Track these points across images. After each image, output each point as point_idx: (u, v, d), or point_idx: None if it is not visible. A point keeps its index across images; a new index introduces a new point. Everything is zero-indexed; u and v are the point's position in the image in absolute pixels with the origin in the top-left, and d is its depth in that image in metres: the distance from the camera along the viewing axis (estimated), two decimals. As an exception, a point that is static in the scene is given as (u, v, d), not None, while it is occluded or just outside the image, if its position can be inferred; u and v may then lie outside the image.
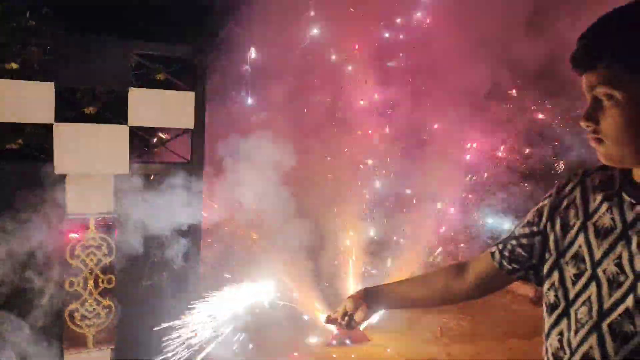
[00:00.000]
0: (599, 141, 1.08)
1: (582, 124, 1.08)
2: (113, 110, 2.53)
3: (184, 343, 2.67)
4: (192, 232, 2.66)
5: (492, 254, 1.33)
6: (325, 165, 4.84)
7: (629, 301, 1.04)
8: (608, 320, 1.08)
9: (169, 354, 2.63)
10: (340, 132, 4.74)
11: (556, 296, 1.18)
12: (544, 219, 1.24)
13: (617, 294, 1.07)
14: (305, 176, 4.63)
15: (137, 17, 2.74)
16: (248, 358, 4.01)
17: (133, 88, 2.50)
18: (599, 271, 1.10)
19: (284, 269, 4.53)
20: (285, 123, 4.16)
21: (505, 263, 1.30)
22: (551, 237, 1.22)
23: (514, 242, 1.29)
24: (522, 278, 1.31)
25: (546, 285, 1.21)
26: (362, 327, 4.61)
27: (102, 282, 2.58)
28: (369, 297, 1.44)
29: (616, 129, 1.04)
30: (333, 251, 4.80)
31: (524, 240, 1.27)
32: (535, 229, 1.26)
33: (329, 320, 1.46)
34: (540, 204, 1.27)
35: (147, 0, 2.82)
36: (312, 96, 4.58)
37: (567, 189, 1.22)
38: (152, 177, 2.60)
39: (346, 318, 1.42)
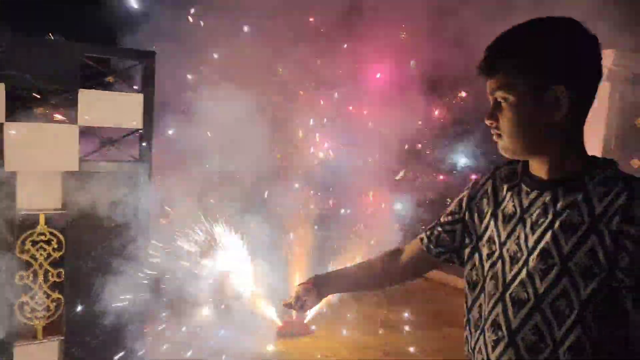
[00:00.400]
0: (499, 136, 1.25)
1: (486, 121, 1.26)
2: (63, 111, 2.63)
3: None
4: (140, 227, 2.78)
5: (422, 239, 1.52)
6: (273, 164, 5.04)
7: (523, 273, 1.22)
8: (509, 291, 1.25)
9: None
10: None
11: (477, 274, 1.36)
12: (463, 208, 1.43)
13: (515, 268, 1.25)
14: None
15: (87, 20, 2.83)
16: (194, 353, 4.14)
17: (83, 89, 2.61)
18: (504, 250, 1.28)
19: (231, 264, 4.69)
20: (232, 121, 4.37)
21: (432, 247, 1.49)
22: (470, 224, 1.40)
23: (439, 228, 1.48)
24: (447, 260, 1.50)
25: (468, 267, 1.39)
26: (305, 320, 4.81)
27: (52, 275, 2.67)
28: (318, 283, 1.60)
29: (510, 125, 1.22)
30: (279, 248, 4.97)
31: (447, 227, 1.46)
32: (456, 217, 1.44)
33: (285, 304, 1.61)
34: (460, 196, 1.46)
35: (97, 4, 2.92)
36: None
37: (481, 182, 1.43)
38: (101, 174, 2.71)
39: (299, 302, 1.57)
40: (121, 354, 2.84)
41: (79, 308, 2.73)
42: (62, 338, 2.72)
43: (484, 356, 1.30)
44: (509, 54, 1.21)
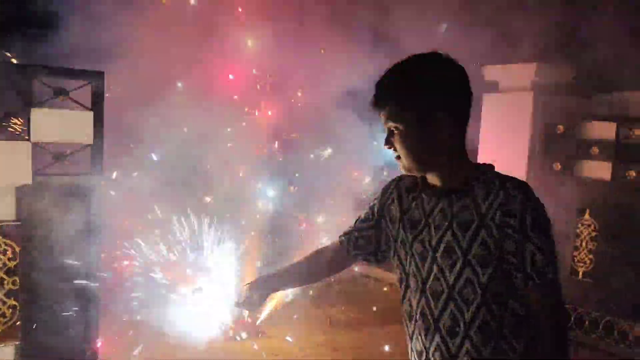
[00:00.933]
0: (398, 157, 1.48)
1: (384, 147, 1.50)
2: (16, 128, 2.80)
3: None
4: (92, 235, 2.96)
5: (341, 242, 1.74)
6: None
7: (435, 269, 1.46)
8: (428, 285, 1.48)
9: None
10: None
11: (400, 272, 1.58)
12: (375, 215, 1.66)
13: (427, 265, 1.48)
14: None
15: (38, 45, 3.04)
16: (150, 354, 4.30)
17: (34, 108, 2.79)
18: (414, 251, 1.52)
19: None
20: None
21: (350, 249, 1.71)
22: (385, 229, 1.63)
23: (356, 234, 1.70)
24: (364, 260, 1.72)
25: (394, 265, 1.61)
26: (258, 321, 5.01)
27: (7, 283, 2.82)
28: (263, 282, 1.79)
29: (404, 149, 1.45)
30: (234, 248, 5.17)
31: (363, 233, 1.69)
32: (370, 223, 1.67)
33: (236, 304, 1.79)
34: (372, 203, 1.69)
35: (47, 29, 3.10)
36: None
37: (389, 191, 1.64)
38: (54, 187, 2.88)
39: (247, 300, 1.75)
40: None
41: (34, 314, 2.89)
42: (18, 343, 2.86)
43: (420, 342, 1.53)
44: (393, 91, 1.44)
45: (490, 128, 5.46)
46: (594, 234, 4.90)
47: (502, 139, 5.29)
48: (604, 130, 4.85)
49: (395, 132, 1.45)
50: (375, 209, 1.66)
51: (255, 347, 4.60)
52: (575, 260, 5.01)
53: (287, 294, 5.20)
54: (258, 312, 1.89)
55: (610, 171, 4.78)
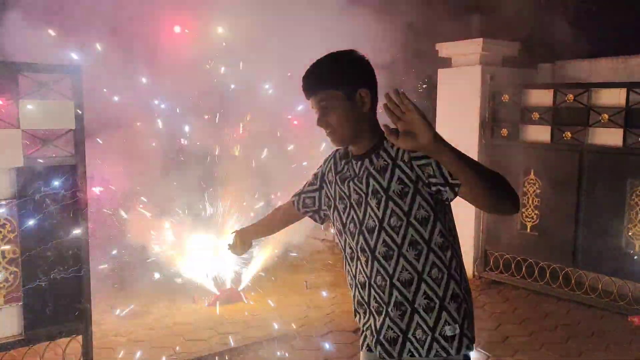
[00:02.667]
0: (331, 133, 1.81)
1: (318, 125, 1.82)
2: (8, 118, 3.22)
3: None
4: (79, 209, 3.41)
5: (293, 202, 2.17)
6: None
7: (368, 209, 1.78)
8: (364, 226, 1.79)
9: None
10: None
11: (339, 224, 1.91)
12: (318, 180, 2.09)
13: (362, 209, 1.80)
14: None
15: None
16: (138, 320, 4.74)
17: (23, 100, 3.22)
18: (352, 200, 1.85)
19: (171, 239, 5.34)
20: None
21: (300, 207, 2.17)
22: (326, 191, 2.04)
23: (304, 195, 2.15)
24: (310, 217, 2.17)
25: (333, 220, 1.95)
26: (239, 288, 5.47)
27: (8, 253, 3.27)
28: (245, 232, 2.39)
29: (337, 122, 1.78)
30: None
31: (309, 195, 2.13)
32: (315, 187, 2.11)
33: (228, 247, 2.39)
34: (317, 170, 2.12)
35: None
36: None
37: (328, 160, 2.07)
38: (43, 167, 3.32)
39: (234, 246, 2.37)
40: (68, 312, 3.47)
41: (32, 278, 3.34)
42: (21, 304, 3.32)
43: (363, 273, 1.81)
44: (324, 77, 1.78)
45: (445, 100, 5.93)
46: (538, 191, 5.39)
47: (455, 109, 5.74)
48: (543, 97, 5.32)
49: (329, 111, 1.78)
50: (319, 175, 2.09)
51: (237, 309, 5.05)
52: (524, 215, 5.51)
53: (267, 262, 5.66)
54: (242, 255, 2.47)
55: (549, 134, 5.25)
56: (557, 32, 5.73)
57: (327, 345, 4.26)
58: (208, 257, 5.33)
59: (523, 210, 5.49)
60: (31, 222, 3.31)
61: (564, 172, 5.12)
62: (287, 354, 4.11)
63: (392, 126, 1.52)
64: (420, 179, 1.69)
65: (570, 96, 5.08)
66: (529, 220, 5.48)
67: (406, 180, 1.71)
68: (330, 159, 2.03)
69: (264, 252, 5.63)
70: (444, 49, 6.07)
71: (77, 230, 3.42)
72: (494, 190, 1.58)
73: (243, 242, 2.36)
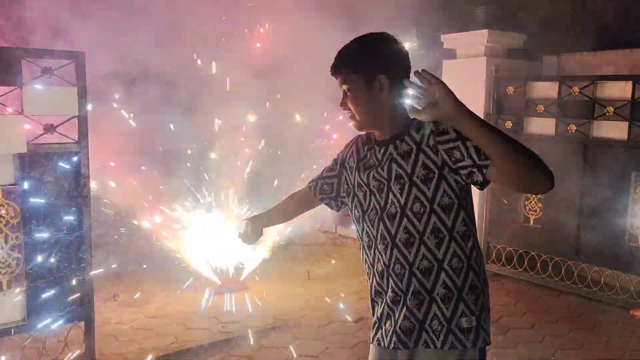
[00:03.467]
0: (352, 117, 1.80)
1: (340, 107, 1.82)
2: (11, 104, 3.21)
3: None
4: (83, 195, 3.41)
5: (310, 187, 2.13)
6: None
7: (390, 195, 1.74)
8: (385, 212, 1.76)
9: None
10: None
11: (358, 211, 1.87)
12: (338, 166, 2.06)
13: (383, 195, 1.77)
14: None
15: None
16: (135, 313, 4.74)
17: (26, 86, 3.21)
18: (372, 187, 1.81)
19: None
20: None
21: (317, 193, 2.13)
22: (346, 177, 2.00)
23: (322, 181, 2.12)
24: (327, 204, 2.14)
25: (352, 207, 1.91)
26: (241, 277, 5.48)
27: (11, 239, 3.27)
28: (256, 219, 2.26)
29: (355, 107, 1.77)
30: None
31: (327, 181, 2.10)
32: (334, 173, 2.08)
33: (239, 235, 2.25)
34: (337, 156, 2.09)
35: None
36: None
37: (349, 146, 2.03)
38: (46, 153, 3.32)
39: (245, 234, 2.23)
40: (70, 299, 3.48)
41: (36, 264, 3.35)
42: (24, 289, 3.33)
43: (381, 262, 1.78)
44: (345, 59, 1.77)
45: (449, 92, 5.89)
46: (541, 184, 5.35)
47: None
48: (548, 89, 5.29)
49: (349, 94, 1.77)
50: (339, 161, 2.06)
51: (239, 299, 5.05)
52: (527, 208, 5.49)
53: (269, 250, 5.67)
54: (253, 244, 2.35)
55: (554, 126, 5.23)
56: (562, 24, 5.69)
57: (328, 335, 4.27)
58: (211, 245, 5.33)
59: (526, 203, 5.48)
60: (34, 208, 3.31)
61: (568, 165, 5.09)
62: (288, 344, 4.11)
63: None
64: (447, 165, 1.65)
65: (576, 89, 5.05)
66: (532, 213, 5.46)
67: (431, 166, 1.68)
68: (352, 145, 2.00)
69: (266, 242, 5.63)
70: (449, 40, 6.04)
71: (80, 217, 3.42)
72: (526, 164, 1.50)
73: (255, 230, 2.24)
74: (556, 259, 5.30)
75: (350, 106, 1.78)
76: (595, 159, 5.00)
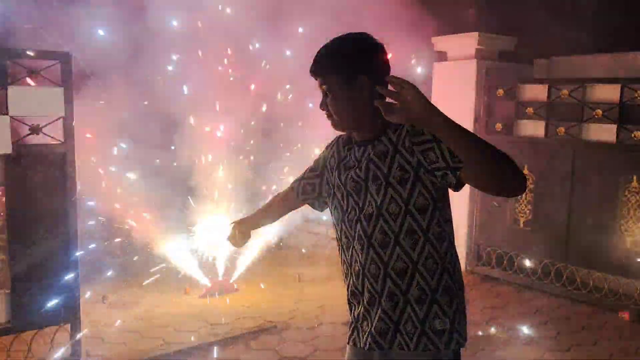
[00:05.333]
0: (331, 117, 1.78)
1: (320, 108, 1.79)
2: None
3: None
4: (68, 196, 3.39)
5: (292, 188, 2.13)
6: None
7: (368, 196, 1.74)
8: (363, 212, 1.75)
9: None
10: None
11: (337, 212, 1.86)
12: (320, 167, 2.04)
13: (362, 196, 1.76)
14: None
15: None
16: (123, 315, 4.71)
17: (11, 86, 3.19)
18: (349, 188, 1.80)
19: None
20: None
21: (300, 194, 2.09)
22: (327, 178, 1.98)
23: (304, 181, 2.10)
24: (310, 204, 2.12)
25: (331, 208, 1.91)
26: (231, 280, 5.46)
27: (-4, 240, 3.26)
28: (243, 222, 2.25)
29: (335, 108, 1.75)
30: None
31: (309, 181, 2.07)
32: (315, 173, 2.06)
33: (227, 238, 2.24)
34: (319, 156, 2.07)
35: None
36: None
37: (330, 146, 2.01)
38: (33, 155, 3.29)
39: (233, 237, 2.22)
40: (56, 300, 3.46)
41: (20, 266, 3.32)
42: (8, 291, 3.30)
43: (358, 262, 1.78)
44: (326, 60, 1.75)
45: (440, 94, 5.90)
46: (531, 186, 5.39)
47: (450, 103, 5.62)
48: (538, 92, 5.31)
49: (328, 94, 1.75)
50: (320, 161, 2.05)
51: (228, 301, 5.04)
52: (517, 211, 5.51)
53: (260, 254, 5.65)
54: (241, 247, 2.33)
55: (543, 129, 5.25)
56: (553, 28, 5.71)
57: (317, 337, 4.26)
58: (200, 247, 5.32)
59: (516, 205, 5.49)
60: (20, 210, 3.29)
61: (558, 168, 5.12)
62: (278, 345, 4.10)
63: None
64: (422, 166, 1.66)
65: (565, 91, 5.07)
66: (521, 215, 5.48)
67: (407, 167, 1.68)
68: (333, 145, 1.99)
69: (256, 244, 5.61)
70: (440, 43, 6.05)
71: (66, 218, 3.39)
72: (497, 167, 1.49)
73: (242, 233, 2.23)
74: (546, 261, 5.32)
75: (330, 107, 1.77)
76: (585, 162, 5.02)
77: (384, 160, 1.72)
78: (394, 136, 1.72)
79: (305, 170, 2.13)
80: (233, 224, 2.27)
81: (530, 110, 5.30)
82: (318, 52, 1.79)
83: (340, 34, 1.80)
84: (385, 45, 1.80)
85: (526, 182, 1.53)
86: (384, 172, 1.71)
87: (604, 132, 4.88)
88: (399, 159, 1.69)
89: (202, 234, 5.32)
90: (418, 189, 1.68)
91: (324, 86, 1.77)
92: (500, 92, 5.53)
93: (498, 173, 1.50)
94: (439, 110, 1.48)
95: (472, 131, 1.53)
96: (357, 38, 1.78)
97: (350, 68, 1.72)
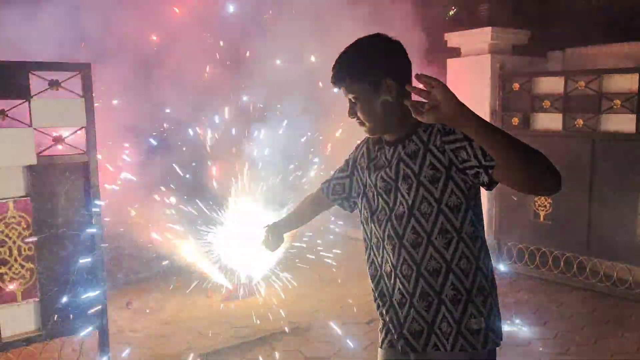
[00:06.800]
0: (362, 124, 1.78)
1: (349, 117, 1.79)
2: (20, 117, 3.25)
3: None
4: (92, 203, 3.44)
5: (322, 189, 2.16)
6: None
7: (399, 196, 1.73)
8: (394, 212, 1.75)
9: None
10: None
11: (366, 211, 1.86)
12: (350, 167, 2.05)
13: (392, 196, 1.76)
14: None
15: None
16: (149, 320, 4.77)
17: (34, 98, 3.25)
18: (379, 188, 1.80)
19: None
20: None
21: (330, 194, 2.13)
22: (357, 178, 1.99)
23: (334, 182, 2.12)
24: (339, 205, 2.14)
25: (361, 207, 1.91)
26: (253, 282, 5.48)
27: (24, 250, 3.30)
28: (276, 226, 2.26)
29: (365, 114, 1.74)
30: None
31: (339, 181, 2.10)
32: (345, 174, 2.08)
33: (262, 243, 2.26)
34: (348, 157, 2.09)
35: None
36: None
37: (360, 146, 2.02)
38: (56, 165, 3.35)
39: (267, 241, 2.24)
40: (84, 308, 3.51)
41: (49, 275, 3.37)
42: (38, 300, 3.36)
43: (389, 263, 1.77)
44: (347, 68, 1.72)
45: (454, 90, 5.72)
46: (551, 180, 5.33)
47: (465, 99, 5.59)
48: (554, 84, 5.27)
49: (357, 102, 1.73)
50: (350, 161, 2.06)
51: (251, 304, 5.07)
52: (537, 205, 5.47)
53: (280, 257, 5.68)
54: (274, 251, 2.34)
55: (561, 122, 5.20)
56: (565, 19, 5.67)
57: (341, 338, 4.27)
58: (222, 251, 5.36)
59: (536, 199, 5.45)
60: (46, 219, 3.34)
61: (577, 160, 5.07)
62: (301, 346, 4.12)
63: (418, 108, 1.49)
64: (454, 164, 1.64)
65: (581, 83, 5.03)
66: (542, 209, 5.44)
67: (438, 165, 1.67)
68: (363, 145, 1.98)
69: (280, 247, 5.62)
70: (453, 38, 6.04)
71: (91, 227, 3.44)
72: (531, 166, 1.45)
73: (276, 236, 2.24)
74: (568, 254, 5.28)
75: (360, 115, 1.75)
76: (604, 153, 4.97)
77: (414, 159, 1.71)
78: (425, 135, 1.71)
79: (335, 171, 2.14)
80: (266, 228, 2.28)
81: (546, 103, 5.27)
82: (336, 62, 1.76)
83: (357, 39, 1.79)
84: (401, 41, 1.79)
85: (560, 180, 1.49)
86: (415, 172, 1.70)
87: (623, 123, 4.83)
88: (430, 158, 1.68)
89: (224, 238, 5.35)
90: (450, 187, 1.66)
91: (350, 95, 1.75)
92: (516, 86, 5.50)
93: (531, 172, 1.47)
94: (469, 109, 1.48)
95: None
96: (373, 42, 1.76)
97: (373, 74, 1.70)
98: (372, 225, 1.83)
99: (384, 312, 1.87)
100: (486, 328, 1.73)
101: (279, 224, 2.30)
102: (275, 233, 2.25)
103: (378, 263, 1.84)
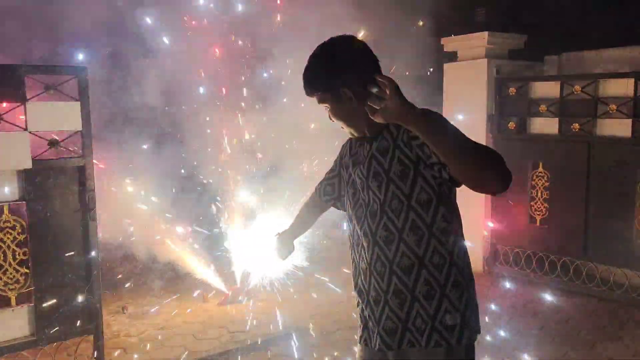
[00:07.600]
0: (343, 127, 1.85)
1: (331, 120, 1.85)
2: (14, 120, 3.23)
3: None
4: (88, 209, 3.43)
5: (316, 190, 2.23)
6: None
7: (371, 193, 1.75)
8: (369, 209, 1.77)
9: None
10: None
11: (350, 209, 1.88)
12: (337, 166, 2.10)
13: (366, 193, 1.78)
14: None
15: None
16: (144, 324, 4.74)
17: (30, 102, 3.23)
18: (357, 185, 1.82)
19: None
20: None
21: (322, 195, 2.18)
22: (344, 176, 2.01)
23: (325, 182, 2.17)
24: (332, 205, 2.17)
25: (346, 206, 1.92)
26: (249, 286, 5.46)
27: (19, 254, 3.28)
28: (286, 234, 2.27)
29: (337, 120, 1.82)
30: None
31: (329, 182, 2.15)
32: (334, 173, 2.13)
33: (274, 251, 2.26)
34: (336, 157, 2.12)
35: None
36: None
37: (346, 144, 2.05)
38: (52, 168, 3.33)
39: (278, 250, 2.24)
40: (78, 313, 3.48)
41: (43, 280, 3.35)
42: (32, 304, 3.34)
43: (364, 260, 1.79)
44: (311, 83, 1.80)
45: (451, 94, 5.90)
46: (547, 184, 5.35)
47: (462, 103, 5.71)
48: (550, 89, 5.28)
49: (328, 110, 1.82)
50: (338, 161, 2.10)
51: (247, 308, 5.05)
52: (533, 209, 5.48)
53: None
54: (285, 258, 2.34)
55: (557, 126, 5.22)
56: (562, 24, 5.69)
57: (336, 342, 4.25)
58: (218, 255, 5.34)
59: (532, 203, 5.46)
60: (40, 224, 3.32)
61: (573, 164, 5.08)
62: (297, 351, 4.10)
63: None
64: (421, 160, 1.65)
65: (577, 87, 5.04)
66: (538, 213, 5.45)
67: (406, 161, 1.68)
68: (347, 143, 2.03)
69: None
70: (449, 43, 6.05)
71: (87, 231, 3.43)
72: (475, 164, 1.47)
73: (286, 244, 2.25)
74: (564, 258, 5.28)
75: (335, 120, 1.83)
76: (600, 157, 4.98)
77: (385, 155, 1.73)
78: (395, 131, 1.73)
79: (326, 173, 2.17)
80: (276, 237, 2.28)
81: (543, 107, 5.28)
82: (303, 75, 1.82)
83: (318, 45, 1.80)
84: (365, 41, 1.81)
85: (509, 181, 1.49)
86: (384, 168, 1.72)
87: (619, 127, 4.85)
88: (399, 154, 1.70)
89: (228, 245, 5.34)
90: (419, 184, 1.67)
91: (321, 103, 1.83)
92: (512, 90, 5.51)
93: (475, 170, 1.49)
94: (414, 107, 1.48)
95: (454, 126, 1.53)
96: (330, 52, 1.78)
97: (331, 85, 1.75)
98: (354, 222, 1.85)
99: (363, 308, 1.87)
100: (462, 323, 1.72)
101: (288, 231, 2.30)
102: (285, 242, 2.26)
103: (357, 261, 1.85)
